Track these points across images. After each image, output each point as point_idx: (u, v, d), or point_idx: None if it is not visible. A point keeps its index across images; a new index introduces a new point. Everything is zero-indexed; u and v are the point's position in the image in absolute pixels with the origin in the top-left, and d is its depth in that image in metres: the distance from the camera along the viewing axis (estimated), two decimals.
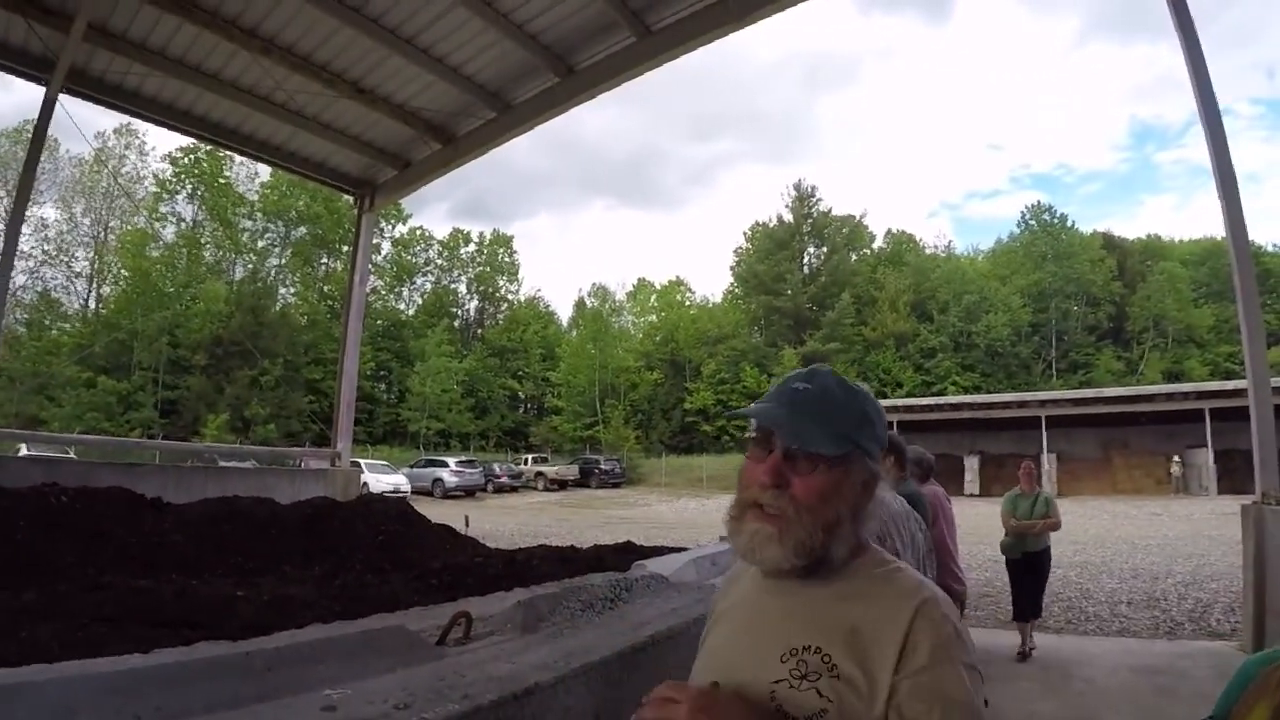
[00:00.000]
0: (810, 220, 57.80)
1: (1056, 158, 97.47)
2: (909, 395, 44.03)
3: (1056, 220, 55.78)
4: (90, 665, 1.57)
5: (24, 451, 18.92)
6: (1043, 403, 31.63)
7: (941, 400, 38.33)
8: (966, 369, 49.76)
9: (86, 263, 48.19)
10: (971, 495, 29.58)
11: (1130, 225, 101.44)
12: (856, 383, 1.15)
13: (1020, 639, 6.51)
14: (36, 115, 9.56)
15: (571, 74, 9.38)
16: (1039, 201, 59.98)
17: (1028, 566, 6.86)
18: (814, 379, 1.11)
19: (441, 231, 63.53)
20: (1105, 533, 16.96)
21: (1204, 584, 9.94)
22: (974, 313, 50.63)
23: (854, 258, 57.79)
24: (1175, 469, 29.84)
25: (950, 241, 73.10)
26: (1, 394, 33.58)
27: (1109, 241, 54.80)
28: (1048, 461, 29.13)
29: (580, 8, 8.46)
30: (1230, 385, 27.24)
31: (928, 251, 61.71)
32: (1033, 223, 56.59)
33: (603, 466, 39.85)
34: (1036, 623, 6.87)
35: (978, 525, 12.93)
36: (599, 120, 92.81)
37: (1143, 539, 15.69)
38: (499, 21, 8.61)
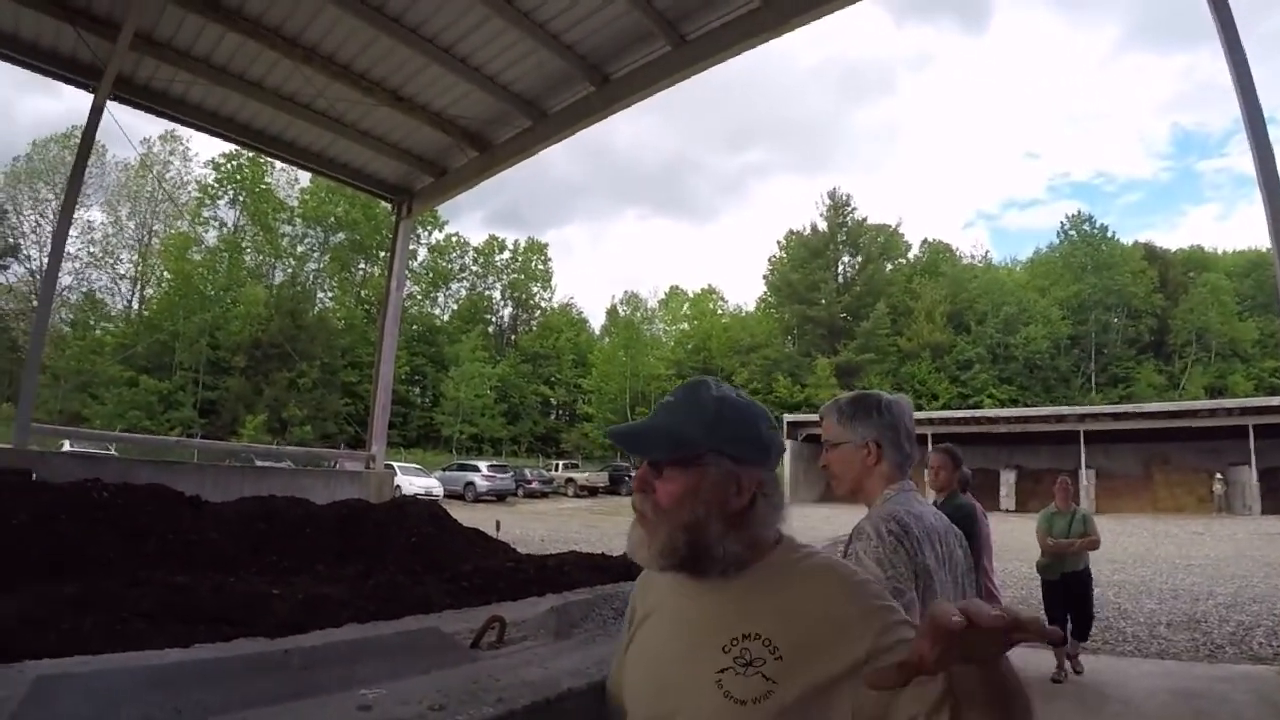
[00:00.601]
0: (845, 229, 57.47)
1: (1096, 166, 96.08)
2: (944, 408, 43.45)
3: (1096, 230, 54.90)
4: (131, 658, 1.61)
5: (67, 448, 19.35)
6: (1081, 417, 30.97)
7: (978, 413, 37.75)
8: (1004, 381, 49.04)
9: (131, 265, 49.67)
10: (1007, 511, 29.09)
11: (1172, 236, 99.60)
12: (730, 390, 1.19)
13: (1057, 662, 6.25)
14: (85, 121, 9.83)
15: (607, 83, 9.42)
16: (1079, 211, 59.40)
17: (1066, 588, 6.59)
18: (682, 391, 1.19)
19: (477, 238, 64.37)
20: (1145, 552, 16.57)
21: (1246, 606, 9.67)
22: (1012, 324, 49.90)
23: (889, 267, 57.37)
24: (1218, 487, 29.04)
25: (987, 252, 72.19)
26: (46, 391, 34.45)
27: (1150, 252, 53.73)
28: (1086, 478, 28.55)
29: (616, 17, 8.50)
30: (1276, 401, 26.53)
31: (964, 262, 61.02)
32: (1072, 233, 55.71)
33: (633, 474, 39.76)
34: (1081, 646, 6.56)
35: (1013, 542, 12.72)
36: (632, 130, 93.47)
37: (1183, 559, 15.31)
38: (535, 31, 8.68)
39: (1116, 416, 30.86)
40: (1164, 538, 20.27)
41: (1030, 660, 6.57)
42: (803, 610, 1.04)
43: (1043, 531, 6.77)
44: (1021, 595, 10.25)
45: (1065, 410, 33.57)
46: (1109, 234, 54.67)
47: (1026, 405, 42.98)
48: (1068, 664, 6.22)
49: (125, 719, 1.26)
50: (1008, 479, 31.33)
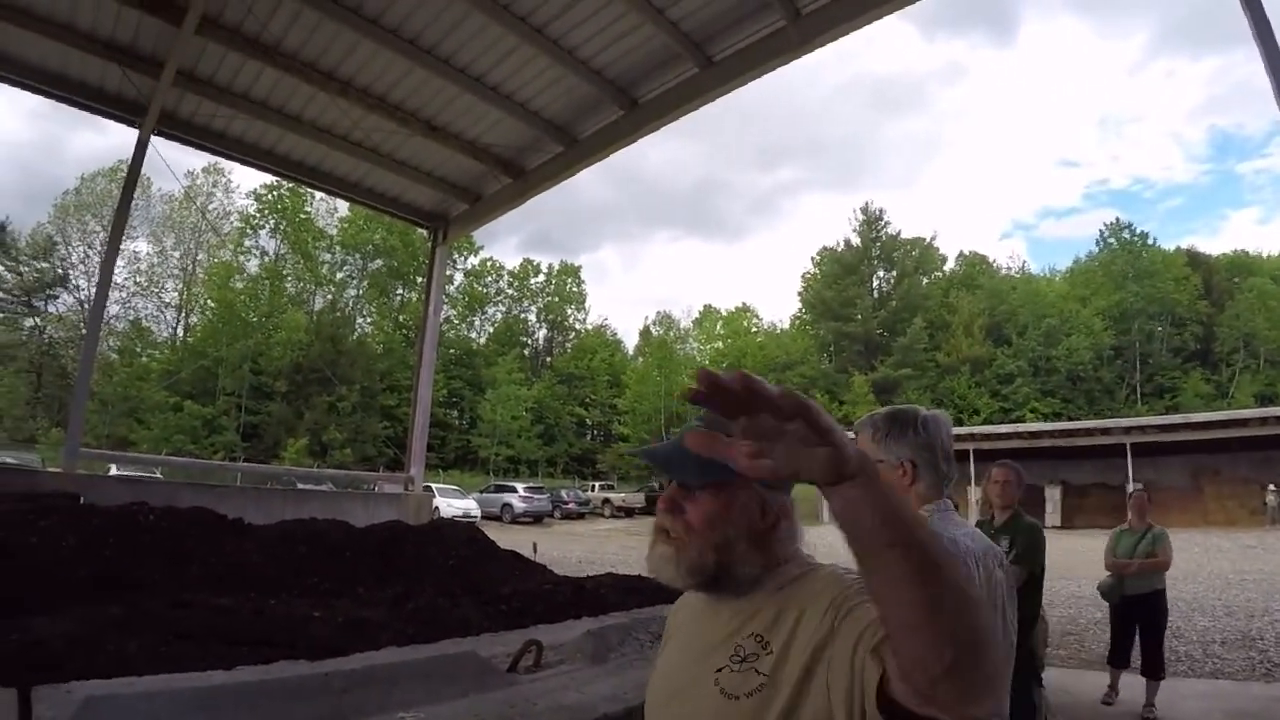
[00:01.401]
0: (879, 244, 56.99)
1: (1134, 172, 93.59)
2: (985, 423, 42.62)
3: (1137, 237, 53.48)
4: (176, 680, 1.64)
5: (113, 471, 19.81)
6: (1127, 429, 30.14)
7: (1020, 428, 36.98)
8: (1046, 395, 47.98)
9: (175, 293, 51.01)
10: (1054, 527, 28.36)
11: (1215, 241, 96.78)
12: None
13: (1110, 682, 5.98)
14: (130, 156, 10.15)
15: (636, 107, 9.52)
16: (1117, 219, 57.91)
17: (1126, 612, 6.05)
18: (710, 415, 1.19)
19: (512, 263, 64.78)
20: (1196, 567, 16.06)
21: None
22: (1053, 336, 48.88)
23: (925, 281, 56.65)
24: (1271, 499, 27.99)
25: (1025, 262, 70.62)
26: (94, 416, 35.37)
27: (1193, 258, 52.29)
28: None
29: (643, 41, 8.60)
30: None
31: (1002, 273, 60.14)
32: (1112, 241, 54.47)
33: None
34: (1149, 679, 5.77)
35: (1059, 560, 12.40)
36: (662, 153, 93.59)
37: (1236, 574, 14.82)
38: (564, 58, 8.81)
39: (1163, 428, 29.97)
40: (1215, 552, 19.63)
41: (1076, 682, 6.40)
42: (793, 606, 1.08)
43: (1108, 550, 6.30)
44: (1069, 614, 10.02)
45: (1110, 423, 32.74)
46: (1150, 241, 53.33)
47: (1070, 419, 42.06)
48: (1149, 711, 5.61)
49: None
50: (1053, 495, 30.57)
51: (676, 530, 1.15)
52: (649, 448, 1.21)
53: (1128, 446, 28.71)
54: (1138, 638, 6.04)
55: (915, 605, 0.76)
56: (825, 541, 1.63)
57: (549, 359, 62.09)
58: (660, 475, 1.20)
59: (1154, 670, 5.79)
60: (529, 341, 63.39)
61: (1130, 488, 27.18)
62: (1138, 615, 6.03)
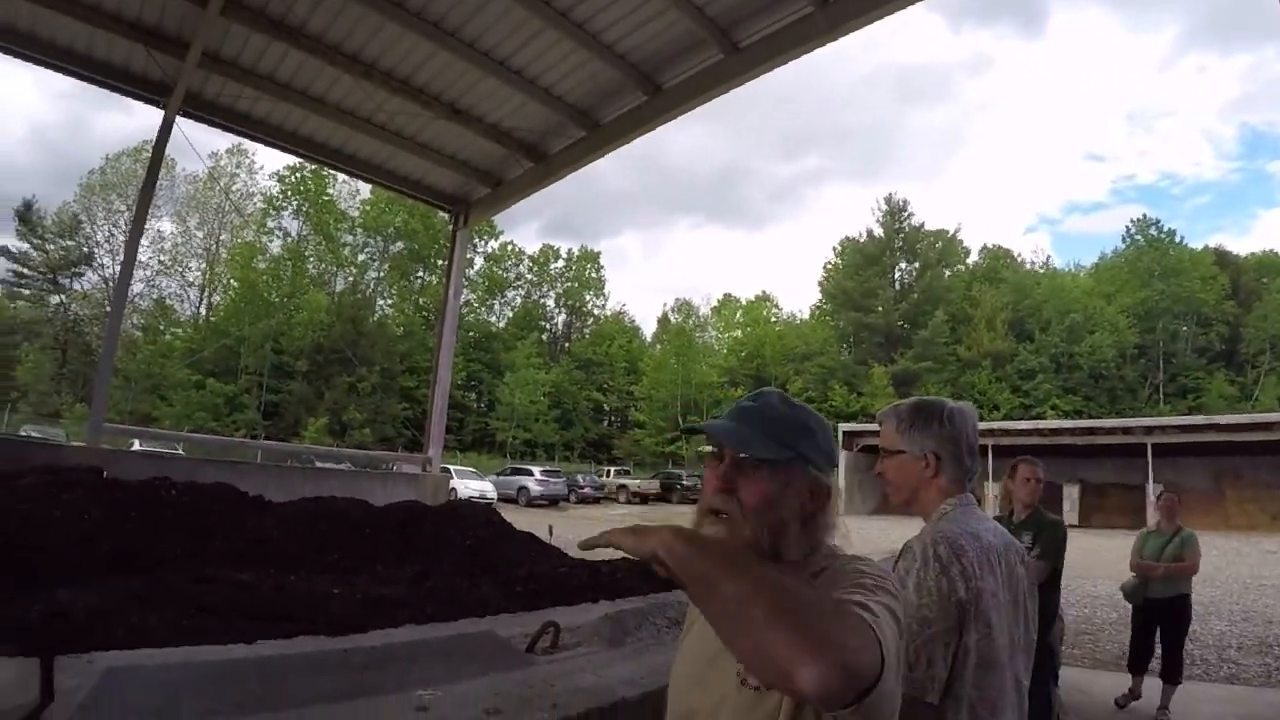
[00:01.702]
0: (902, 235, 56.43)
1: (1161, 168, 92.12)
2: (1005, 419, 42.23)
3: (1164, 234, 52.41)
4: (197, 653, 1.65)
5: (136, 447, 20.08)
6: (1149, 429, 29.75)
7: (1040, 424, 36.63)
8: (1068, 392, 47.42)
9: (199, 273, 51.55)
10: (1070, 526, 28.05)
11: (1243, 240, 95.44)
12: (798, 400, 1.27)
13: (1131, 686, 5.81)
14: (155, 136, 10.22)
15: (659, 92, 9.46)
16: (1144, 215, 56.96)
17: (1149, 616, 5.90)
18: (759, 398, 1.24)
19: (532, 248, 64.83)
20: (1214, 571, 15.83)
21: None
22: (1076, 332, 48.26)
23: (948, 274, 56.08)
24: None
25: (1049, 257, 69.74)
26: (118, 393, 35.83)
27: (1221, 257, 51.35)
28: (1152, 492, 27.47)
29: (668, 26, 8.53)
30: None
31: (1026, 268, 59.44)
32: (1138, 237, 53.43)
33: (685, 482, 39.67)
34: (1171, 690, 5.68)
35: (1076, 559, 12.28)
36: (685, 140, 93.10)
37: (1255, 579, 14.64)
38: (589, 42, 8.76)
39: (1185, 429, 29.55)
40: (1235, 556, 19.39)
41: (1089, 681, 6.36)
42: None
43: (1135, 551, 6.17)
44: (1085, 614, 9.95)
45: (1132, 422, 32.35)
46: (1177, 238, 52.41)
47: (1091, 417, 41.62)
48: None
49: (189, 712, 1.29)
50: (1071, 493, 30.31)
51: (730, 509, 1.14)
52: (705, 422, 1.22)
53: (1148, 447, 28.38)
54: (1158, 641, 5.90)
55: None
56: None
57: (567, 344, 62.22)
58: (714, 447, 1.20)
59: (1172, 674, 5.70)
60: (547, 326, 63.52)
61: (1150, 488, 26.99)
62: (1160, 619, 5.88)
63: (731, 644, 0.90)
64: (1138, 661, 5.92)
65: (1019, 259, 60.63)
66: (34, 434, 23.81)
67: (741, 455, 1.16)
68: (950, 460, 1.80)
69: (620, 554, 1.09)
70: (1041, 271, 59.17)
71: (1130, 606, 6.20)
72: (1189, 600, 6.01)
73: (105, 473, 6.51)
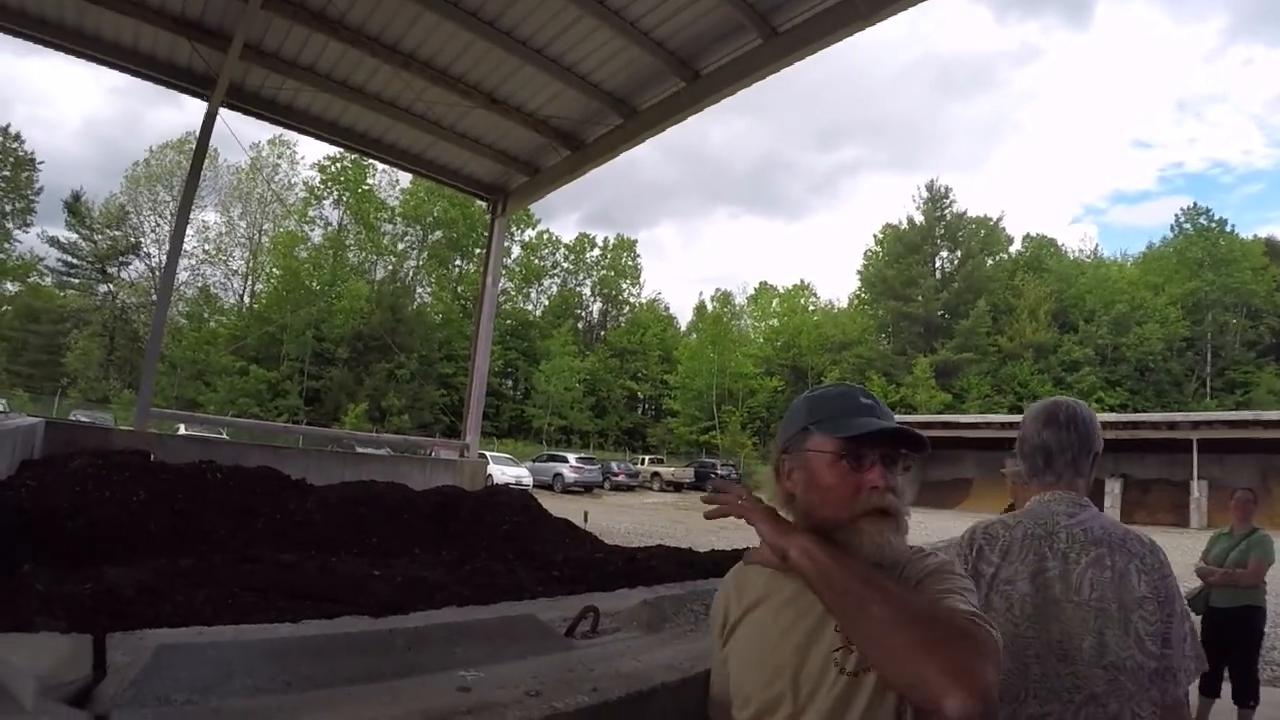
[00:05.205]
0: (943, 223, 55.53)
1: (1211, 156, 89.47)
2: None
3: (1214, 224, 50.65)
4: (244, 631, 1.68)
5: (182, 431, 20.56)
6: (1195, 424, 28.93)
7: None
8: (1113, 384, 46.30)
9: (242, 262, 52.49)
10: None
11: None
12: None
13: (1199, 715, 4.87)
14: (199, 128, 10.41)
15: (697, 78, 9.38)
16: (1194, 204, 55.11)
17: (1213, 628, 5.07)
18: (873, 397, 1.29)
19: (569, 238, 65.05)
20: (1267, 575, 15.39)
21: None
22: (1123, 324, 47.02)
23: (990, 263, 54.97)
24: None
25: (1096, 246, 67.70)
26: (164, 379, 36.73)
27: (1272, 248, 49.56)
28: (1197, 489, 26.78)
29: (706, 11, 8.45)
30: None
31: (1071, 257, 58.08)
32: (1188, 226, 51.65)
33: (719, 471, 39.60)
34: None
35: None
36: (724, 131, 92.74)
37: None
38: (626, 29, 8.72)
39: (1233, 424, 28.69)
40: None
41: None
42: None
43: (1203, 554, 5.51)
44: None
45: (1177, 416, 31.51)
46: (1228, 228, 50.58)
47: (1136, 410, 40.64)
48: None
49: (238, 688, 1.31)
50: (1113, 489, 29.62)
51: (896, 506, 1.19)
52: (896, 425, 1.23)
53: (1194, 442, 27.61)
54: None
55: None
56: None
57: (603, 332, 62.38)
58: (909, 450, 1.23)
59: (1244, 697, 5.02)
60: (583, 314, 63.76)
61: (1194, 485, 26.28)
62: (1223, 630, 5.09)
63: (879, 665, 1.04)
64: (1206, 684, 4.99)
65: (1064, 248, 59.37)
66: (84, 418, 24.47)
67: (904, 450, 1.22)
68: (1021, 456, 1.97)
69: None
70: (1086, 261, 57.81)
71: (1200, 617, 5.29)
72: (1260, 612, 5.19)
73: (152, 456, 6.69)
